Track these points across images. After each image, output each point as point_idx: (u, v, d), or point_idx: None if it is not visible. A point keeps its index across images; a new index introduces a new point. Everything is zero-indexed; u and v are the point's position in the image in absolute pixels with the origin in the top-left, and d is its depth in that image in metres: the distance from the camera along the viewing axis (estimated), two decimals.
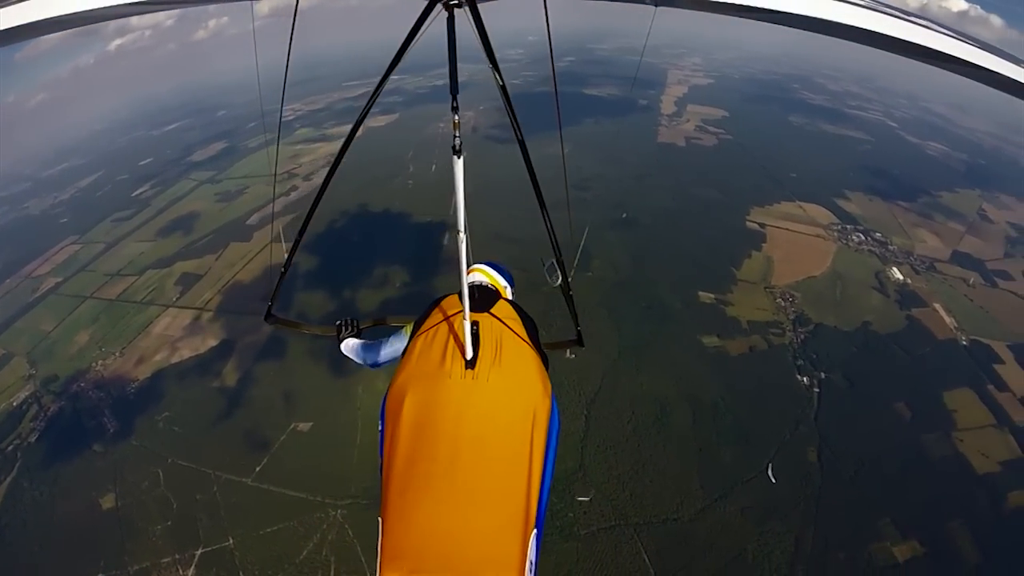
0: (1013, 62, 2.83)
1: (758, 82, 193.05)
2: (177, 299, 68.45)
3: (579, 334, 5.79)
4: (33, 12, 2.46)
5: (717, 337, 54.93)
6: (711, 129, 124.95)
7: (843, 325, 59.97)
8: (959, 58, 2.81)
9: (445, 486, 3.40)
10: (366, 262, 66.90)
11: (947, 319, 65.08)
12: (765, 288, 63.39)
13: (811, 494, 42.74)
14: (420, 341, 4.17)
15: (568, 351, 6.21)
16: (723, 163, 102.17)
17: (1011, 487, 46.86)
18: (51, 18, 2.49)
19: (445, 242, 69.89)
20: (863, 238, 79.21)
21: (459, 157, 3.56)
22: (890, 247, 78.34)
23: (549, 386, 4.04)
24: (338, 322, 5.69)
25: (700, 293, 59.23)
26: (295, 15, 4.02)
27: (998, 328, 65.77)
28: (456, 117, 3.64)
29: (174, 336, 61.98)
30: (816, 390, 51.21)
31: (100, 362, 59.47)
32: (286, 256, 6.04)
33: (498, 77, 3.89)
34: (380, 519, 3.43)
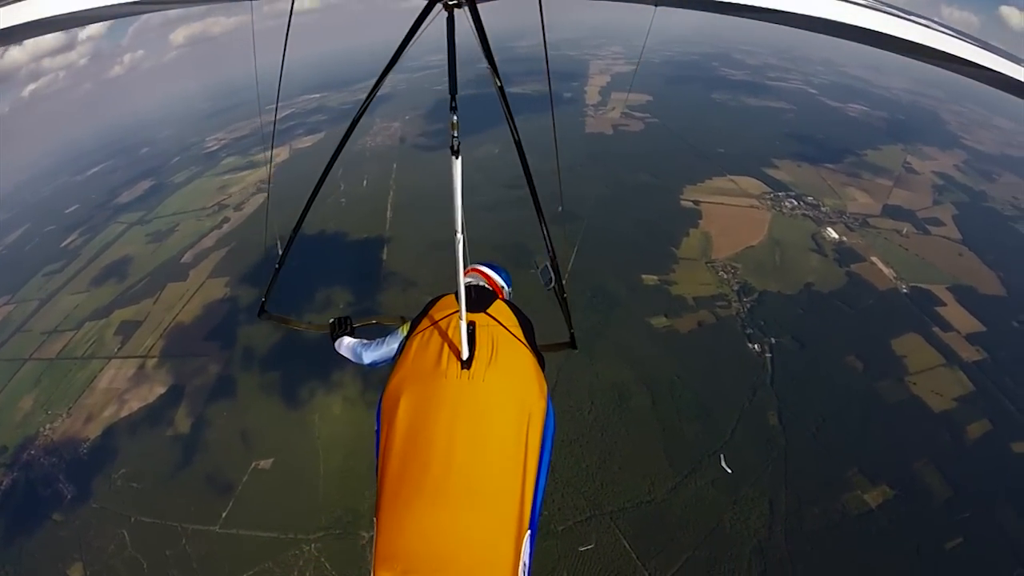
0: (1013, 61, 2.89)
1: (678, 64, 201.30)
2: (119, 349, 66.96)
3: (572, 336, 5.95)
4: (32, 11, 2.54)
5: (665, 317, 57.23)
6: (637, 114, 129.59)
7: (786, 289, 63.38)
8: (960, 57, 2.87)
9: (439, 487, 3.49)
10: (307, 287, 66.93)
11: (886, 270, 69.64)
12: (706, 263, 66.37)
13: (777, 456, 45.03)
14: (416, 341, 4.30)
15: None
16: (652, 146, 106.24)
17: (969, 420, 50.69)
18: (50, 17, 2.55)
19: (384, 257, 70.57)
20: (796, 203, 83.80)
21: (457, 158, 3.66)
22: (823, 209, 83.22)
23: (545, 387, 4.19)
24: (332, 320, 5.89)
25: (643, 276, 61.59)
26: (291, 6, 4.09)
27: (936, 273, 70.89)
28: (454, 117, 3.72)
29: (120, 388, 60.73)
30: (768, 355, 53.97)
31: (48, 426, 57.77)
32: (280, 252, 6.30)
33: (496, 79, 4.09)
34: (375, 519, 3.54)
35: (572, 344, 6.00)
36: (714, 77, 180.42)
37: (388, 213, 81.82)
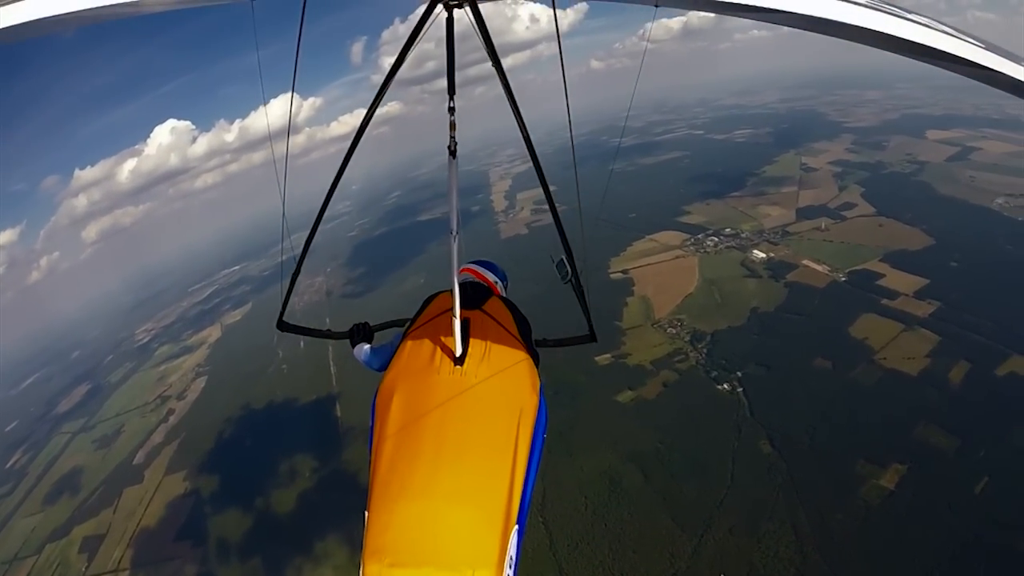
0: (1014, 61, 3.05)
1: (570, 149, 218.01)
2: (87, 569, 65.05)
3: (591, 329, 6.18)
4: (32, 11, 2.69)
5: (630, 390, 60.81)
6: (545, 207, 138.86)
7: (735, 322, 68.52)
8: (960, 57, 3.02)
9: (427, 481, 3.76)
10: (268, 463, 67.96)
11: (819, 268, 76.30)
12: (652, 325, 71.17)
13: (783, 480, 47.73)
14: (411, 339, 4.68)
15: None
16: (567, 232, 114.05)
17: (947, 368, 55.52)
18: (49, 17, 2.71)
19: (339, 414, 72.50)
20: (717, 239, 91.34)
21: (454, 158, 3.98)
22: (743, 235, 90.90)
23: (538, 383, 4.45)
24: (352, 327, 6.29)
25: (596, 358, 65.27)
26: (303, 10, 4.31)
27: (865, 251, 78.11)
28: (453, 118, 3.99)
29: None
30: (740, 389, 57.92)
31: None
32: (296, 262, 6.78)
33: (502, 75, 4.50)
34: (366, 513, 3.80)
35: (592, 337, 6.26)
36: (606, 150, 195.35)
37: (332, 368, 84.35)
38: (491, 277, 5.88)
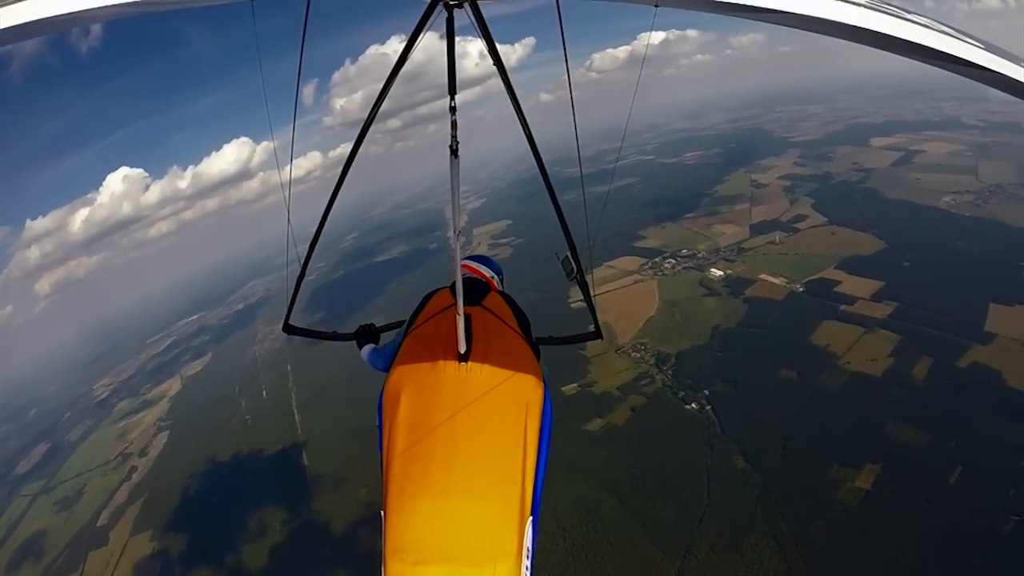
0: (1014, 61, 3.10)
1: (523, 181, 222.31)
2: None
3: (597, 327, 6.48)
4: (32, 11, 2.73)
5: (599, 418, 61.96)
6: (502, 241, 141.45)
7: (698, 341, 70.63)
8: (960, 58, 3.07)
9: (443, 478, 3.92)
10: (236, 518, 66.72)
11: (777, 281, 79.32)
12: (616, 351, 72.71)
13: (760, 493, 49.18)
14: (413, 337, 4.82)
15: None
16: (525, 264, 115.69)
17: (910, 366, 58.07)
18: (49, 18, 2.74)
19: (306, 462, 71.85)
20: (674, 262, 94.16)
21: (456, 157, 4.11)
22: (699, 255, 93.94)
23: (541, 376, 4.60)
24: (358, 328, 6.39)
25: (563, 388, 66.43)
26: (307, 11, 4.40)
27: (820, 260, 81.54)
28: (454, 117, 4.14)
29: None
30: (708, 407, 59.64)
31: None
32: (301, 265, 6.92)
33: (503, 74, 4.65)
34: (383, 513, 3.96)
35: (597, 333, 6.56)
36: (560, 181, 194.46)
37: (296, 416, 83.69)
38: (488, 272, 6.02)
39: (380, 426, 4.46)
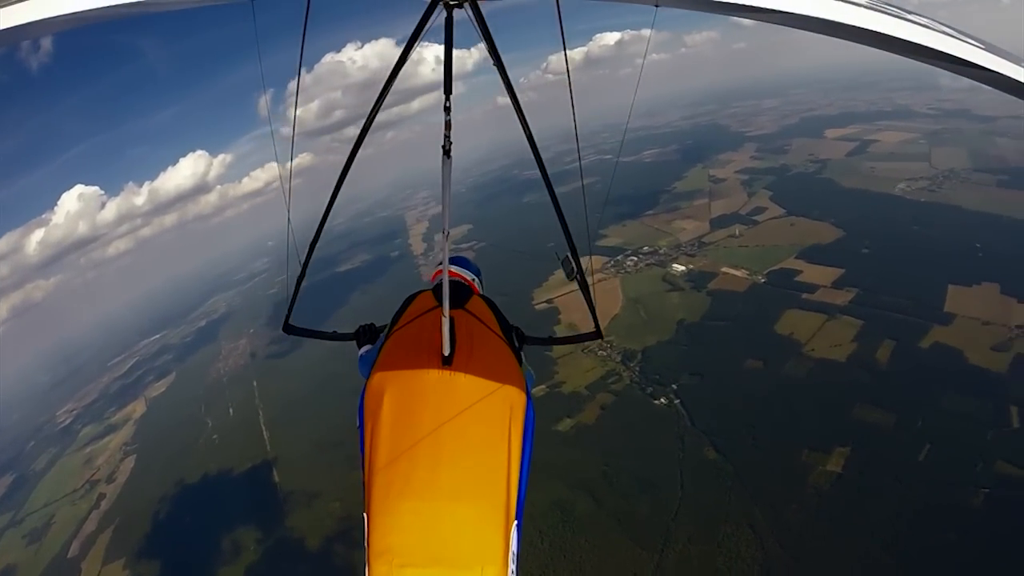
0: (1013, 62, 3.11)
1: (483, 184, 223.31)
2: None
3: (597, 326, 6.55)
4: (32, 12, 2.73)
5: (569, 418, 62.68)
6: (464, 246, 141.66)
7: (663, 336, 71.96)
8: (959, 58, 3.09)
9: (429, 481, 3.98)
10: (210, 540, 65.80)
11: (738, 273, 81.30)
12: (583, 351, 73.53)
13: (732, 483, 50.34)
14: (396, 339, 4.86)
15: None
16: (487, 268, 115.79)
17: (874, 349, 60.01)
18: (50, 18, 2.75)
19: (277, 479, 71.16)
20: (636, 259, 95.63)
21: (448, 157, 4.16)
22: (661, 252, 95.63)
23: (524, 380, 4.68)
24: (358, 328, 6.43)
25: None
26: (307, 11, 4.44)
27: (780, 251, 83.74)
28: (448, 117, 4.18)
29: None
30: (677, 401, 60.83)
31: None
32: (301, 264, 6.90)
33: (503, 74, 4.73)
34: (365, 515, 4.00)
35: (598, 333, 6.65)
36: (519, 183, 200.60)
37: (265, 433, 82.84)
38: (468, 275, 6.03)
39: (361, 428, 4.50)
